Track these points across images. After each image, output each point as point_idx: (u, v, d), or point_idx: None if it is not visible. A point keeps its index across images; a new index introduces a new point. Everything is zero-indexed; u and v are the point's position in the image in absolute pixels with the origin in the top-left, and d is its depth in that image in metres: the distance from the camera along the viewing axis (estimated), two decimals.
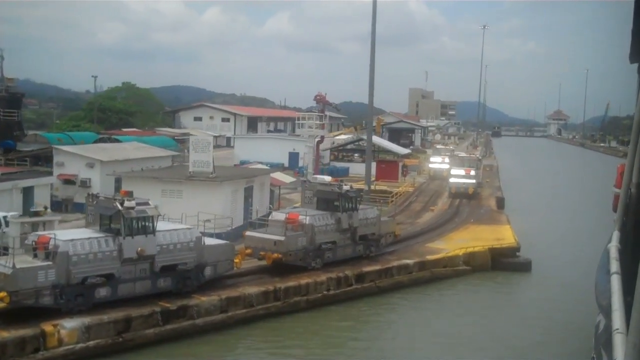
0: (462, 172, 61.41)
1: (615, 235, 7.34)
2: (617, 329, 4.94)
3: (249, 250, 30.17)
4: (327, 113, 58.13)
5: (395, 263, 33.62)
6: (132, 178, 36.57)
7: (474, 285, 35.33)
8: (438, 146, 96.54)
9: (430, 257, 35.35)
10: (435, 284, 34.31)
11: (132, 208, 24.08)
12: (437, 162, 78.94)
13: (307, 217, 30.63)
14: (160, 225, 25.78)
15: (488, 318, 30.36)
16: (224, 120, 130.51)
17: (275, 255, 29.26)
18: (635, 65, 7.93)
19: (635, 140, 7.08)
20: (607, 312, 5.85)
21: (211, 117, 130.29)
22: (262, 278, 29.40)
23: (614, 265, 6.25)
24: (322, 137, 42.88)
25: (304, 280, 29.36)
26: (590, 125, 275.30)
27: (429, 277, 34.63)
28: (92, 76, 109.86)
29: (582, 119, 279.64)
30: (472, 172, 61.45)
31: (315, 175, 33.82)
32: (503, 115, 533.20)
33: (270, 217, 31.73)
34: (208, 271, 26.82)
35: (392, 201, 55.74)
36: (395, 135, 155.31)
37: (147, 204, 25.06)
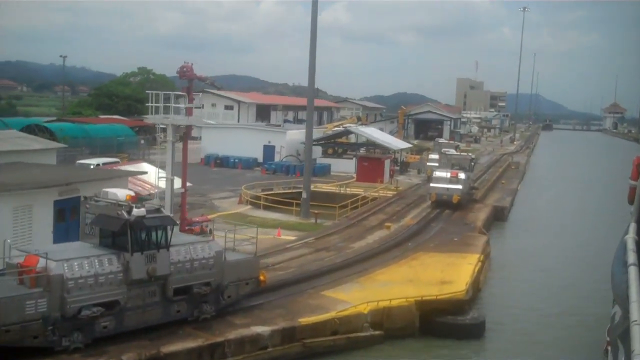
0: (447, 175, 47.72)
1: (632, 227, 7.11)
2: (635, 321, 4.79)
3: None
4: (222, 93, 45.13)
5: (232, 334, 20.55)
6: None
7: None
8: (440, 140, 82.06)
9: (305, 320, 22.14)
10: None
11: None
12: (437, 161, 65.18)
13: (55, 263, 17.97)
14: None
15: None
16: (227, 108, 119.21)
17: None
18: None
19: None
20: (623, 303, 5.62)
21: (213, 105, 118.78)
22: None
23: (632, 257, 6.07)
24: (190, 128, 29.64)
25: None
26: None
27: (300, 353, 21.55)
28: (61, 56, 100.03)
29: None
30: (461, 176, 47.63)
31: (105, 189, 20.76)
32: (562, 108, 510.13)
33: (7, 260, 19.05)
34: None
35: (341, 212, 42.54)
36: (423, 126, 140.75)
37: None
